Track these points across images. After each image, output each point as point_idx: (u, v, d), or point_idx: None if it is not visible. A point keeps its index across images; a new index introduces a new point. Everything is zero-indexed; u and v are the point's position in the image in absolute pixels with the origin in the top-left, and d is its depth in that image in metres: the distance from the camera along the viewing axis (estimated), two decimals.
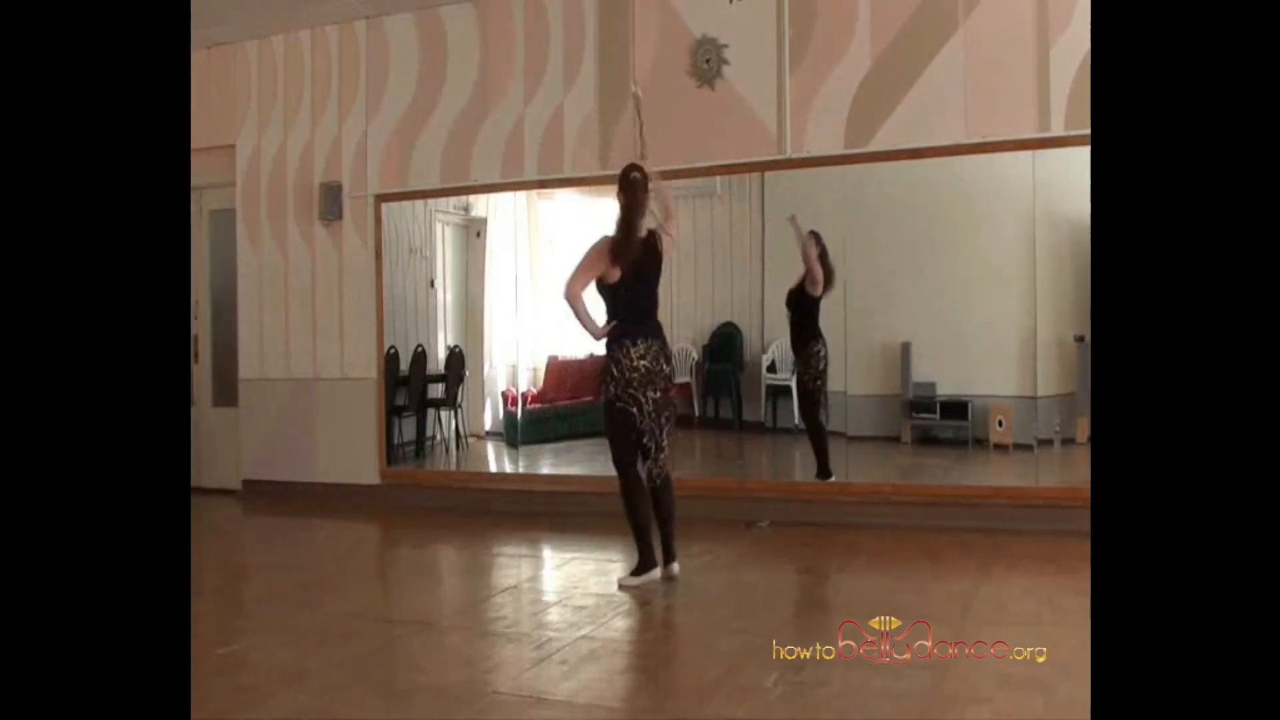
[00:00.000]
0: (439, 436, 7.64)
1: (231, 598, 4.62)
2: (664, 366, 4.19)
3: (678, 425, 4.44)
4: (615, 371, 4.12)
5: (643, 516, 4.19)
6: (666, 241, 4.29)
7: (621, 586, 4.14)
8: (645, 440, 4.17)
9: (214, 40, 7.08)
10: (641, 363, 4.11)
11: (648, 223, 4.27)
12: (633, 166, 4.29)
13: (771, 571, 4.69)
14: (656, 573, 4.18)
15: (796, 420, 6.63)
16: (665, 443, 4.20)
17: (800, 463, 6.41)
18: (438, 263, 7.63)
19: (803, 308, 6.10)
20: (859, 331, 6.22)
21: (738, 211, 6.88)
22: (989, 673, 2.96)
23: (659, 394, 4.16)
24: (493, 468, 7.79)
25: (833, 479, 5.87)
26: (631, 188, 4.19)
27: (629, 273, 4.15)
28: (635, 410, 4.13)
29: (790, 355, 6.54)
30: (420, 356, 7.39)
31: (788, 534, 5.28)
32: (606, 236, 4.20)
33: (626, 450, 4.19)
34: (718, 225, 6.94)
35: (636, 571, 4.18)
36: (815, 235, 6.08)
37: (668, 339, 4.29)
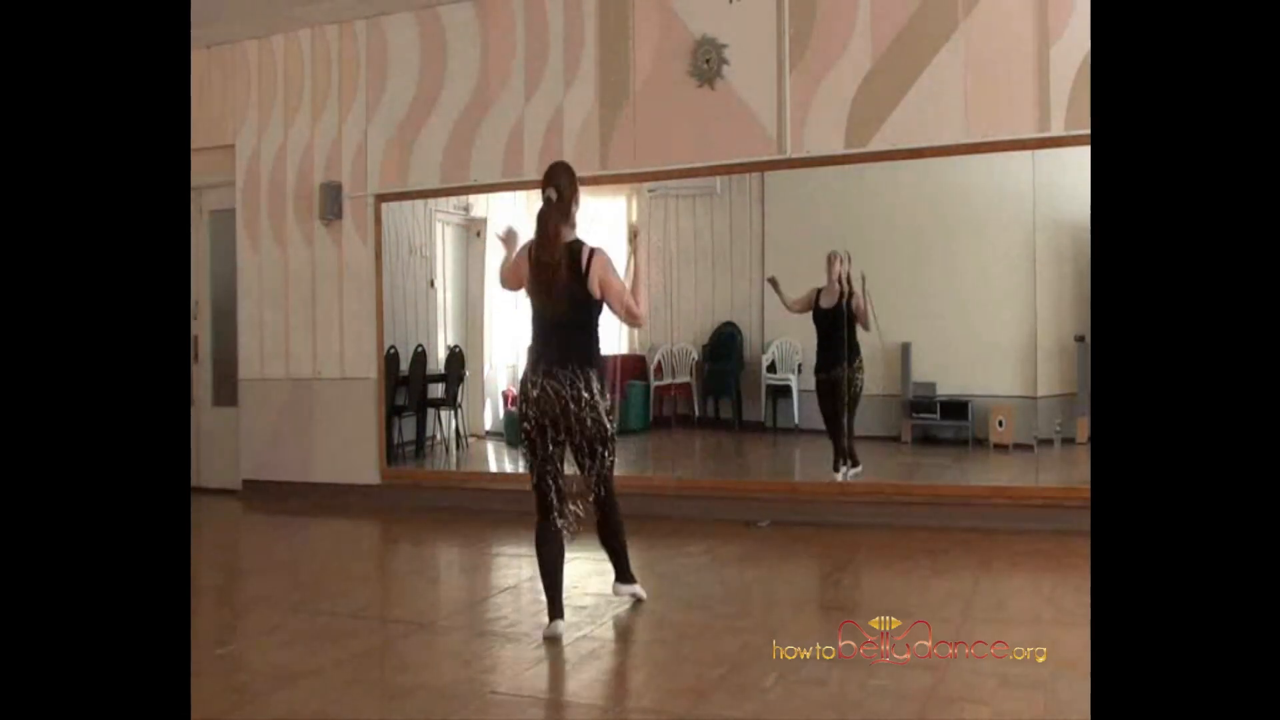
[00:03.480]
0: (439, 436, 7.64)
1: (231, 598, 4.62)
2: (562, 403, 3.59)
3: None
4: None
5: (546, 563, 3.67)
6: (597, 264, 3.63)
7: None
8: (541, 483, 3.66)
9: (214, 40, 7.08)
10: (533, 393, 3.62)
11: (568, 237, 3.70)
12: (549, 176, 3.72)
13: (771, 571, 4.69)
14: (559, 626, 3.59)
15: (798, 420, 6.67)
16: (591, 479, 3.70)
17: (800, 463, 6.42)
18: (438, 263, 7.63)
19: (842, 322, 6.09)
20: (859, 331, 6.22)
21: (738, 211, 6.88)
22: (989, 673, 2.96)
23: (558, 433, 3.62)
24: (493, 468, 7.78)
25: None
26: (540, 215, 3.67)
27: (530, 290, 3.72)
28: (528, 447, 3.69)
29: (789, 357, 6.60)
30: (420, 356, 7.38)
31: (788, 534, 5.28)
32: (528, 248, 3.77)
33: (535, 489, 3.72)
34: (718, 225, 6.95)
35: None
36: (837, 255, 6.07)
37: (597, 370, 3.67)
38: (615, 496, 3.83)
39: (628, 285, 3.74)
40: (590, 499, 3.76)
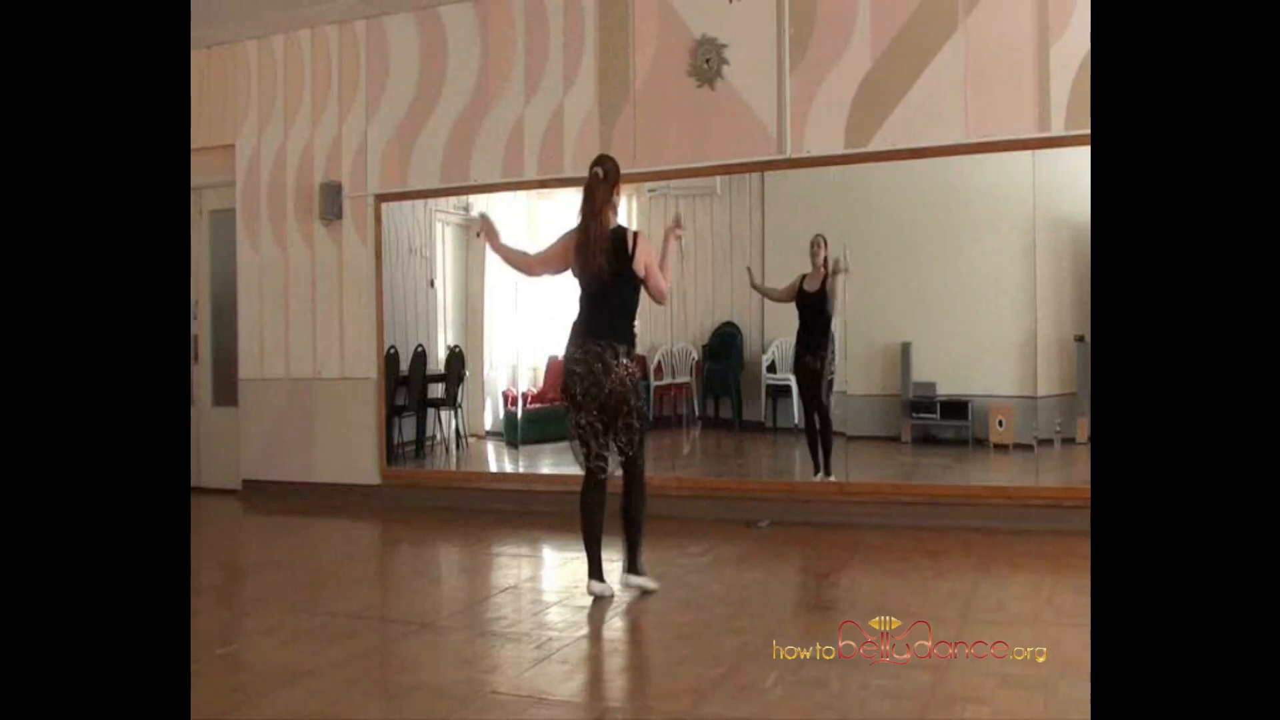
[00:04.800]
0: (439, 436, 7.65)
1: (231, 597, 4.62)
2: (603, 376, 3.88)
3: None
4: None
5: (586, 515, 4.00)
6: (642, 247, 3.96)
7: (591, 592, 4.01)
8: (583, 445, 3.98)
9: (214, 40, 7.08)
10: (575, 367, 3.92)
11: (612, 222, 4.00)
12: (598, 160, 4.03)
13: (771, 571, 4.69)
14: (600, 586, 3.99)
15: (797, 420, 6.66)
16: (623, 443, 3.96)
17: (800, 463, 6.41)
18: (438, 263, 7.63)
19: (825, 306, 6.11)
20: (859, 331, 6.22)
21: (738, 211, 6.88)
22: (989, 673, 2.96)
23: (595, 402, 3.90)
24: (493, 468, 7.79)
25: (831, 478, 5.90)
26: (588, 187, 3.97)
27: (581, 274, 3.98)
28: (570, 412, 3.99)
29: (789, 357, 6.61)
30: (420, 356, 7.39)
31: (788, 534, 5.28)
32: (574, 229, 4.02)
33: (576, 451, 4.07)
34: (718, 225, 6.95)
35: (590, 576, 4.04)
36: (822, 239, 6.09)
37: (627, 345, 3.97)
38: (644, 469, 4.06)
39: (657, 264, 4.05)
40: (621, 462, 4.01)
